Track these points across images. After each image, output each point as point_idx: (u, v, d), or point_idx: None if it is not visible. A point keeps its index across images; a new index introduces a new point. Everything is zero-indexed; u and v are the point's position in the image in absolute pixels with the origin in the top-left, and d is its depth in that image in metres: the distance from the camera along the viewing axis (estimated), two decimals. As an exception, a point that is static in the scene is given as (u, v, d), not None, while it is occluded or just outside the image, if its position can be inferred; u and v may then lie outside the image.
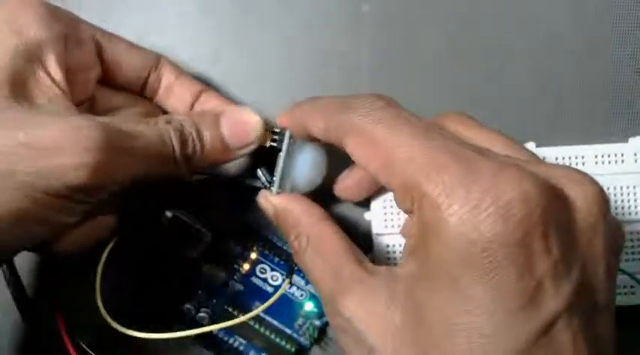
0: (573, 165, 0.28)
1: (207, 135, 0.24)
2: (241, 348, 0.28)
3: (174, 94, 0.27)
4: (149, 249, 0.28)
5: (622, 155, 0.28)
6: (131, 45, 0.27)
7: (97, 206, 0.23)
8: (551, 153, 0.28)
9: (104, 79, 0.26)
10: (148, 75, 0.27)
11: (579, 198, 0.18)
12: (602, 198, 0.18)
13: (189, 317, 0.28)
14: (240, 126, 0.25)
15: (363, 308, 0.20)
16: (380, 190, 0.27)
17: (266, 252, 0.29)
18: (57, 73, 0.23)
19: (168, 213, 0.27)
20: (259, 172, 0.27)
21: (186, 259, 0.28)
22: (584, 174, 0.19)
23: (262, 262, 0.29)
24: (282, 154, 0.25)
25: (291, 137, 0.25)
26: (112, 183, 0.22)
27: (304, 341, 0.28)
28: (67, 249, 0.23)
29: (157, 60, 0.27)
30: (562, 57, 0.30)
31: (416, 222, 0.19)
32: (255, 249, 0.29)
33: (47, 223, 0.22)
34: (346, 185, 0.26)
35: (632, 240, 0.28)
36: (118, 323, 0.24)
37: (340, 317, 0.20)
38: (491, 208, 0.17)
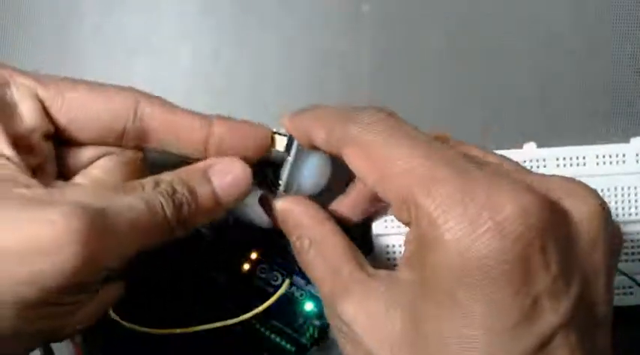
0: (574, 166, 0.28)
1: (200, 193, 0.22)
2: (241, 348, 0.28)
3: (175, 135, 0.23)
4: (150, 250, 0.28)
5: (623, 155, 0.28)
6: (96, 95, 0.23)
7: (97, 283, 0.21)
8: (552, 154, 0.28)
9: (63, 137, 0.23)
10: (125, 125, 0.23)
11: (579, 212, 0.18)
12: (603, 210, 0.18)
13: (190, 317, 0.28)
14: (231, 180, 0.23)
15: (362, 311, 0.19)
16: (377, 212, 0.27)
17: (266, 251, 0.29)
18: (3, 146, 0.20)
19: None
20: (267, 173, 0.26)
21: (187, 259, 0.28)
22: (584, 187, 0.18)
23: (262, 262, 0.29)
24: (289, 159, 0.25)
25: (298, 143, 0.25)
26: (101, 270, 0.20)
27: (304, 341, 0.28)
28: (81, 323, 0.22)
29: (133, 106, 0.23)
30: (562, 57, 0.30)
31: (412, 233, 0.19)
32: (255, 249, 0.29)
33: (42, 332, 0.20)
34: (344, 205, 0.26)
35: (632, 241, 0.28)
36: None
37: (339, 318, 0.20)
38: (488, 224, 0.16)
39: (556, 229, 0.17)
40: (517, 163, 0.21)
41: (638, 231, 0.28)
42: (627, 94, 0.30)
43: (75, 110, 0.22)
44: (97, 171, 0.24)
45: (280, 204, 0.24)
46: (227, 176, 0.23)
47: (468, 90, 0.30)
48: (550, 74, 0.30)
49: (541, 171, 0.28)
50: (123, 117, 0.23)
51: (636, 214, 0.28)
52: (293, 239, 0.23)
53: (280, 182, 0.25)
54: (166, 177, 0.22)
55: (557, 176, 0.19)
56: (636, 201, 0.28)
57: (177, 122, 0.23)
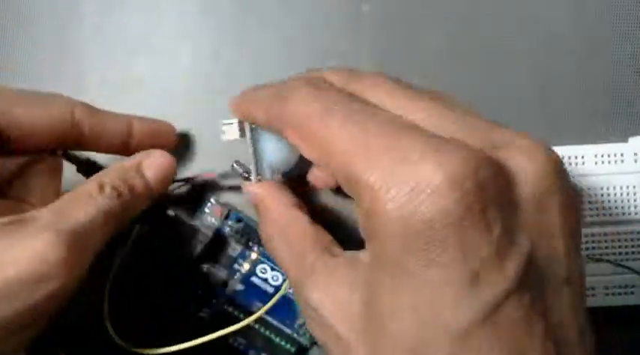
0: (573, 165, 0.28)
1: (137, 187, 0.24)
2: (241, 348, 0.28)
3: (103, 138, 0.26)
4: (149, 249, 0.28)
5: (622, 155, 0.28)
6: (34, 104, 0.24)
7: None
8: (551, 153, 0.28)
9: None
10: (57, 131, 0.25)
11: (525, 170, 0.17)
12: (553, 168, 0.17)
13: (190, 317, 0.28)
14: (161, 171, 0.25)
15: (328, 295, 0.19)
16: None
17: (266, 251, 0.29)
18: None
19: (170, 212, 0.27)
20: (234, 166, 0.27)
21: (186, 259, 0.28)
22: (534, 142, 0.18)
23: (262, 262, 0.29)
24: (248, 142, 0.25)
25: (251, 124, 0.25)
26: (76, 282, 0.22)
27: (304, 341, 0.28)
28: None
29: (70, 111, 0.25)
30: (562, 57, 0.30)
31: (361, 209, 0.18)
32: (255, 248, 0.29)
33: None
34: (315, 175, 0.27)
35: (632, 240, 0.28)
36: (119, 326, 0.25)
37: (306, 303, 0.20)
38: (428, 189, 0.16)
39: (497, 189, 0.17)
40: (466, 111, 0.20)
41: (636, 230, 0.28)
42: (627, 94, 0.30)
43: (16, 119, 0.23)
44: (38, 182, 0.25)
45: (251, 191, 0.25)
46: (157, 168, 0.25)
47: (468, 90, 0.30)
48: (550, 74, 0.30)
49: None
50: (61, 124, 0.24)
51: (635, 213, 0.28)
52: (260, 225, 0.24)
53: (251, 167, 0.25)
54: (107, 179, 0.24)
55: (510, 130, 0.18)
56: (635, 200, 0.28)
57: (105, 125, 0.26)
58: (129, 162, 0.25)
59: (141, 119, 0.27)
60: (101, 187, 0.23)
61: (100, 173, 0.24)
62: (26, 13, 0.30)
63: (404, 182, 0.16)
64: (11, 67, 0.30)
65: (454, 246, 0.16)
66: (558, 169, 0.18)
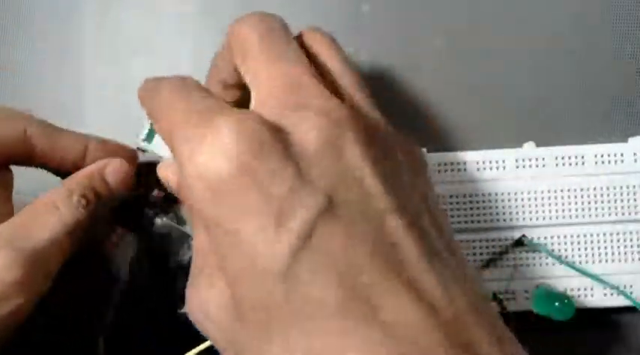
0: (573, 165, 0.28)
1: (101, 193, 0.25)
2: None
3: (55, 157, 0.26)
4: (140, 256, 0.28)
5: (622, 155, 0.28)
6: None
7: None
8: (551, 153, 0.28)
9: None
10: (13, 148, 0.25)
11: (299, 131, 0.18)
12: (327, 124, 0.19)
13: (183, 322, 0.28)
14: (122, 177, 0.26)
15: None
16: None
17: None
18: None
19: (159, 220, 0.27)
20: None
21: (178, 265, 0.28)
22: (307, 106, 0.19)
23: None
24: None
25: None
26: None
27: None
28: None
29: (23, 128, 0.25)
30: (562, 57, 0.30)
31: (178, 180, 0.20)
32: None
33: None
34: None
35: (631, 240, 0.28)
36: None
37: None
38: (214, 147, 0.18)
39: (281, 146, 0.18)
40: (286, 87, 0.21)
41: (636, 231, 0.28)
42: (627, 94, 0.30)
43: None
44: None
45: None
46: (118, 175, 0.26)
47: (468, 90, 0.30)
48: (550, 74, 0.30)
49: (540, 170, 0.28)
50: (11, 140, 0.24)
51: (635, 213, 0.28)
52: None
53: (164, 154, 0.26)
54: (76, 186, 0.24)
55: (311, 99, 0.19)
56: (635, 200, 0.28)
57: (61, 143, 0.26)
58: (95, 167, 0.25)
59: (98, 141, 0.27)
60: (69, 196, 0.23)
61: (66, 181, 0.24)
62: (26, 13, 0.30)
63: (202, 143, 0.18)
64: (11, 67, 0.30)
65: (254, 193, 0.17)
66: (335, 123, 0.19)
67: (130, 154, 0.27)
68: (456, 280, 0.18)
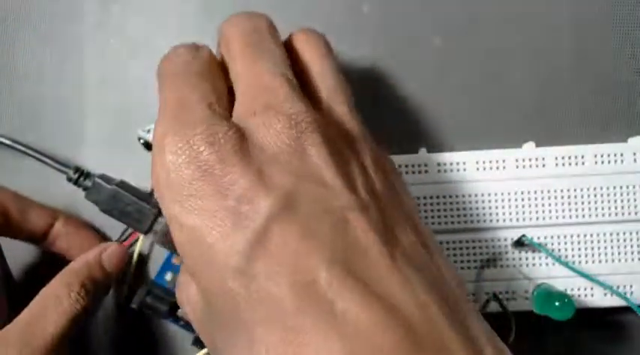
0: (573, 165, 0.28)
1: (100, 280, 0.26)
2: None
3: (27, 227, 0.27)
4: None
5: (621, 155, 0.28)
6: None
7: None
8: (551, 153, 0.28)
9: None
10: None
11: (262, 132, 0.19)
12: (286, 124, 0.19)
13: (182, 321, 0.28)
14: (117, 260, 0.27)
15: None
16: None
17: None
18: None
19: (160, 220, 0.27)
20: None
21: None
22: (272, 108, 0.19)
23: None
24: None
25: None
26: None
27: None
28: None
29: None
30: (562, 57, 0.30)
31: None
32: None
33: None
34: None
35: (631, 240, 0.28)
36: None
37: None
38: (186, 149, 0.19)
39: (238, 147, 0.19)
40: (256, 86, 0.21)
41: (635, 231, 0.28)
42: (627, 94, 0.30)
43: None
44: None
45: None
46: (115, 259, 0.27)
47: (468, 90, 0.30)
48: (550, 74, 0.30)
49: (540, 170, 0.28)
50: None
51: (635, 213, 0.28)
52: None
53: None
54: (75, 278, 0.25)
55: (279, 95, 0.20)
56: (635, 200, 0.28)
57: (32, 215, 0.27)
58: (91, 255, 0.26)
59: (65, 217, 0.28)
60: (70, 289, 0.25)
61: (66, 271, 0.26)
62: (26, 13, 0.30)
63: (174, 139, 0.19)
64: (11, 66, 0.30)
65: (211, 192, 0.18)
66: (296, 125, 0.19)
67: (92, 234, 0.29)
68: (424, 279, 0.18)
